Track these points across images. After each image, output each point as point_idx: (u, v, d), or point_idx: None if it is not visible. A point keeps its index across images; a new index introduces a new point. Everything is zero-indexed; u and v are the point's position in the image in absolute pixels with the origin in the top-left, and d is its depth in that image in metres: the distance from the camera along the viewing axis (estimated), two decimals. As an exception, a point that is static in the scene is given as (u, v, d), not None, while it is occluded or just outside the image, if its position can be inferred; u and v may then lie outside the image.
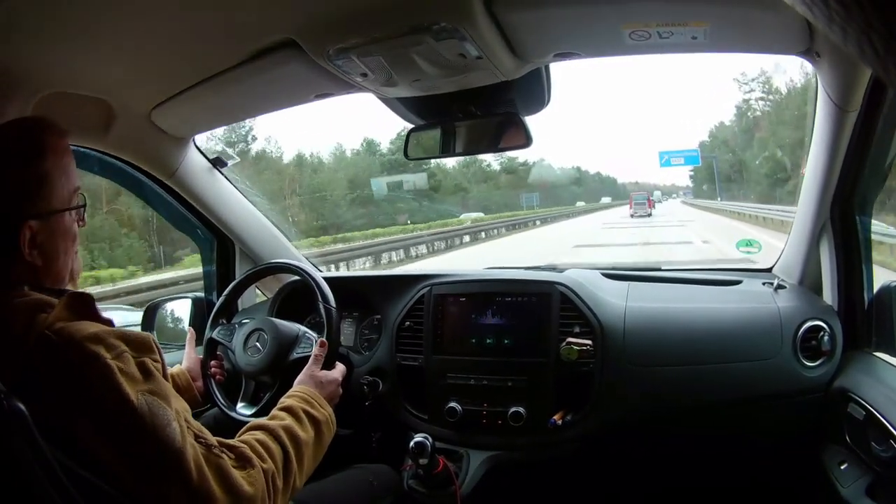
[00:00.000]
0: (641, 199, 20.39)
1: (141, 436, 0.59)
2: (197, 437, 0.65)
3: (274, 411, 0.86)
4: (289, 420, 0.83)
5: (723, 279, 1.34)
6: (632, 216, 19.07)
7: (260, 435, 0.76)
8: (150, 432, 0.59)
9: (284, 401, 0.90)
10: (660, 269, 1.53)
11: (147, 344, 0.65)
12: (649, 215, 19.09)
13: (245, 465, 0.68)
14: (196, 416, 0.76)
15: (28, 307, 0.61)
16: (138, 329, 1.10)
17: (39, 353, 0.58)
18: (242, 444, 0.71)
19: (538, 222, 19.59)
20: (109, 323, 0.65)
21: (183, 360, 1.16)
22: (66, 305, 0.62)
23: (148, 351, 0.65)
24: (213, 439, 0.67)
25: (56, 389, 0.58)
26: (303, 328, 1.20)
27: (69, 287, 0.73)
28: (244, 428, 0.80)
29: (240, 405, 1.18)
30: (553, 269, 1.43)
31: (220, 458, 0.65)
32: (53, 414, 0.57)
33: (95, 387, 0.58)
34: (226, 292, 1.29)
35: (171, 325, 1.58)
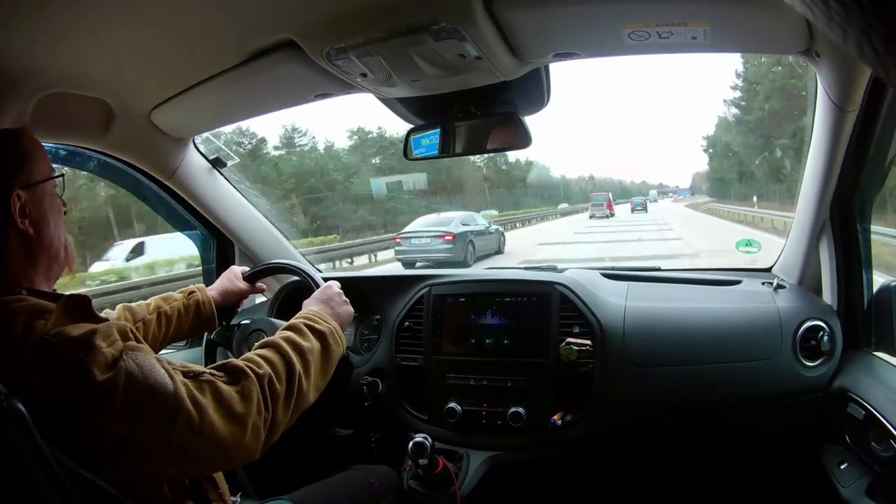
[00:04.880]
0: (601, 201, 20.45)
1: (140, 392, 0.61)
2: (185, 374, 0.66)
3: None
4: (289, 333, 0.84)
5: (722, 279, 1.34)
6: (591, 217, 19.12)
7: (259, 351, 0.78)
8: (145, 385, 0.61)
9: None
10: (659, 269, 1.53)
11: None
12: (609, 216, 19.17)
13: (239, 377, 0.70)
14: None
15: (26, 311, 0.63)
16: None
17: (39, 357, 0.59)
18: (233, 360, 0.73)
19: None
20: (106, 321, 0.67)
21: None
22: (64, 310, 0.64)
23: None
24: (201, 367, 0.70)
25: (57, 388, 0.59)
26: None
27: (66, 274, 0.78)
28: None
29: None
30: (553, 269, 1.43)
31: (211, 382, 0.67)
32: (53, 418, 0.57)
33: (92, 374, 0.59)
34: None
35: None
